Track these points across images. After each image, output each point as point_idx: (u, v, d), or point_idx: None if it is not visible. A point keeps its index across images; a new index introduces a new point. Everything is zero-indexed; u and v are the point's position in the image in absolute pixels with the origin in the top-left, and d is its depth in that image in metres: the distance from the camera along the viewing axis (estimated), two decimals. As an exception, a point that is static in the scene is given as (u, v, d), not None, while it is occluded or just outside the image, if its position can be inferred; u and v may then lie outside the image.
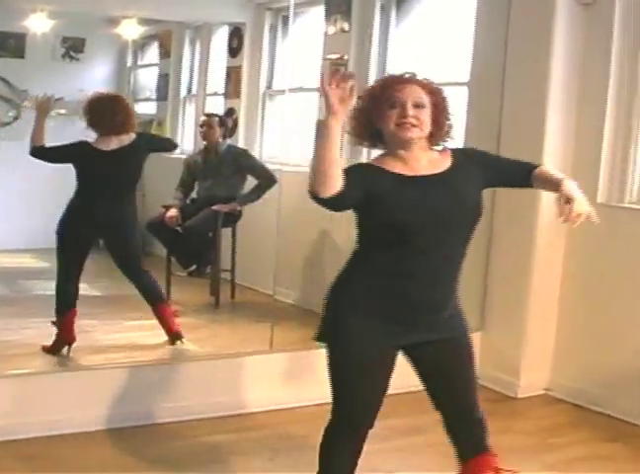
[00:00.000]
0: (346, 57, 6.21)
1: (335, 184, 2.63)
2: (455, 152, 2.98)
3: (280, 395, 4.66)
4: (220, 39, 7.41)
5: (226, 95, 7.29)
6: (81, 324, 5.33)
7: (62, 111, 6.35)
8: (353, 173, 2.71)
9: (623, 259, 4.80)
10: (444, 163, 2.92)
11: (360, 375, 2.91)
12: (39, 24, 6.75)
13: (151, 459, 3.98)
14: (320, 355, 4.77)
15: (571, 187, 2.82)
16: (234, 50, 7.19)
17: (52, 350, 4.94)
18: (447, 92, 2.97)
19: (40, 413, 4.15)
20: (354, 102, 2.63)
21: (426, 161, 2.89)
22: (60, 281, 5.01)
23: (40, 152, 4.89)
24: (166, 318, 5.16)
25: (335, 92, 2.57)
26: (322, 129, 2.60)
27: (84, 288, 5.26)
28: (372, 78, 6.17)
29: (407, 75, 2.91)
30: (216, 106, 7.26)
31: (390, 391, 4.55)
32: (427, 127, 2.86)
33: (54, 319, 4.98)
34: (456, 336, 3.01)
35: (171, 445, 4.17)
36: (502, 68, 5.05)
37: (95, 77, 7.40)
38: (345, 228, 6.08)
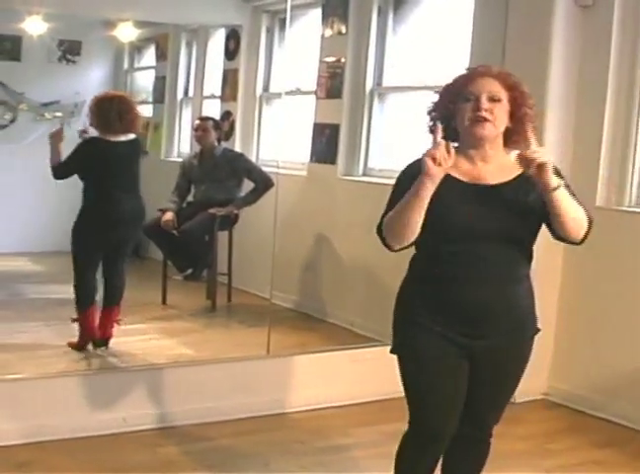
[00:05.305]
0: (343, 60, 6.19)
1: (406, 242, 2.66)
2: None
3: (276, 400, 4.63)
4: (217, 42, 7.39)
5: (223, 98, 7.27)
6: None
7: (58, 113, 6.33)
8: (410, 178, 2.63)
9: (622, 262, 4.77)
10: (515, 170, 2.71)
11: (430, 381, 2.79)
12: (35, 26, 6.72)
13: (140, 464, 3.96)
14: (315, 360, 4.79)
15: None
16: (231, 53, 7.17)
17: (78, 346, 4.99)
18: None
19: (37, 417, 4.11)
20: (449, 163, 2.56)
21: (495, 165, 2.74)
22: (78, 280, 5.00)
23: (59, 169, 4.84)
24: (110, 322, 5.14)
25: (432, 152, 2.53)
26: (416, 186, 2.57)
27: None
28: (369, 81, 6.16)
29: (481, 68, 2.77)
30: (213, 108, 7.24)
31: (381, 396, 4.56)
32: (501, 124, 2.69)
33: (74, 317, 5.02)
34: (514, 347, 2.89)
35: (163, 451, 4.14)
36: (500, 71, 5.02)
37: (91, 80, 7.37)
38: (342, 232, 6.10)
